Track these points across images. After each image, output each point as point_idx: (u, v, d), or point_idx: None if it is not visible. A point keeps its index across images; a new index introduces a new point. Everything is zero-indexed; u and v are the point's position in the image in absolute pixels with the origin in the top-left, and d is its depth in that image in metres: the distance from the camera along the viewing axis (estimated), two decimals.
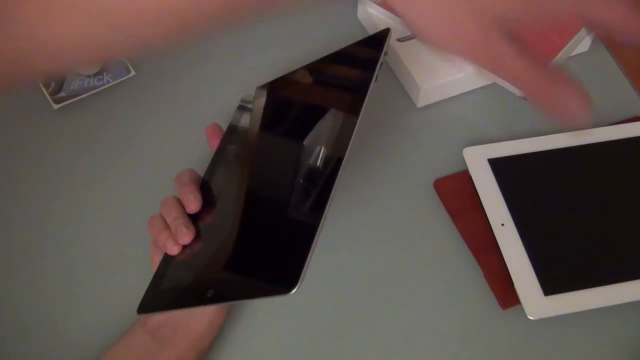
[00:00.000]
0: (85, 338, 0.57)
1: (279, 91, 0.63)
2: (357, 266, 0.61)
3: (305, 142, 0.54)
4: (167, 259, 0.55)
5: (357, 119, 0.50)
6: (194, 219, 0.56)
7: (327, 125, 0.53)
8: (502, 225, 0.62)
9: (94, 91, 0.71)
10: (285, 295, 0.42)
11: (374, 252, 0.62)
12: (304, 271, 0.42)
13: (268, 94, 0.64)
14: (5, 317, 0.58)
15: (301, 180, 0.50)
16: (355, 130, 0.49)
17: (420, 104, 0.71)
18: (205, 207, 0.56)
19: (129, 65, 0.73)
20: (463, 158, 0.67)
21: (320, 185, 0.48)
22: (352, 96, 0.52)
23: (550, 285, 0.58)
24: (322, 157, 0.50)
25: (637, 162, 0.66)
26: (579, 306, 0.57)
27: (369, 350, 0.57)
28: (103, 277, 0.60)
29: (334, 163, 0.48)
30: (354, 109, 0.51)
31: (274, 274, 0.45)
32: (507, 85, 0.68)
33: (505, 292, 0.59)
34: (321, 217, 0.45)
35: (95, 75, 0.72)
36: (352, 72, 0.56)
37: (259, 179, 0.55)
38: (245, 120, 0.63)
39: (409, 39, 0.73)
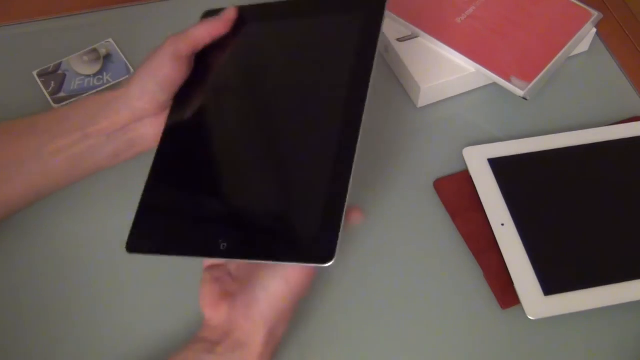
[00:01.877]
0: (77, 336, 0.57)
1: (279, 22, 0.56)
2: (356, 266, 0.61)
3: (321, 86, 0.49)
4: (155, 186, 0.48)
5: (373, 58, 0.46)
6: (195, 142, 0.49)
7: (337, 72, 0.48)
8: (502, 225, 0.62)
9: (93, 91, 0.71)
10: (322, 266, 0.39)
11: (373, 252, 0.62)
12: (339, 241, 0.39)
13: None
14: (4, 316, 0.58)
15: (324, 116, 0.46)
16: (372, 73, 0.45)
17: (420, 104, 0.71)
18: (207, 127, 0.50)
19: (128, 64, 0.73)
20: (463, 158, 0.67)
21: (346, 122, 0.43)
22: (364, 35, 0.50)
23: (550, 285, 0.58)
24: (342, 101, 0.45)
25: (637, 162, 0.66)
26: (579, 306, 0.57)
27: (368, 350, 0.57)
28: (101, 276, 0.60)
29: (354, 109, 0.44)
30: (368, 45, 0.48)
31: (303, 238, 0.39)
32: (507, 85, 0.68)
33: (505, 292, 0.59)
34: (352, 161, 0.40)
35: (95, 75, 0.72)
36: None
37: (273, 113, 0.49)
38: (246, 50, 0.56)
39: (409, 39, 0.73)
